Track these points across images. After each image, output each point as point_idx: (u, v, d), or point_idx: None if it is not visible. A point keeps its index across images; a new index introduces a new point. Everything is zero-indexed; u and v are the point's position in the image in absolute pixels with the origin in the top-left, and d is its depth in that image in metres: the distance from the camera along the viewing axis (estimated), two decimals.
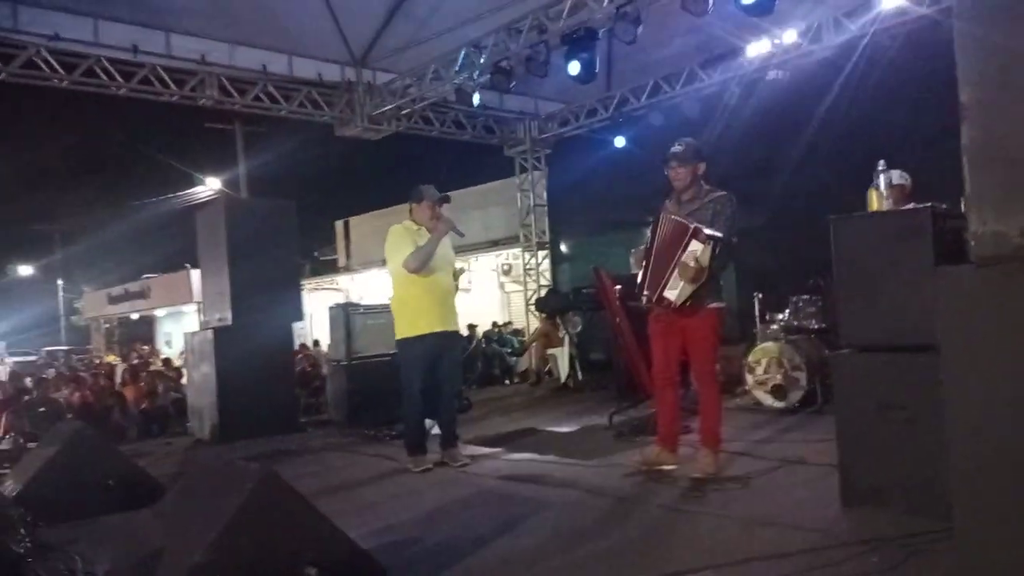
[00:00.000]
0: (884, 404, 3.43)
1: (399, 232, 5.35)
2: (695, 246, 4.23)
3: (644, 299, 4.53)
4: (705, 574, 2.89)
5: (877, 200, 3.93)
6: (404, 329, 5.31)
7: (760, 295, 7.99)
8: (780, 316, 7.60)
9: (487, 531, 3.71)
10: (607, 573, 2.99)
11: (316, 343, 16.25)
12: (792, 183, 9.74)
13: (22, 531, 3.91)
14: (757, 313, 7.91)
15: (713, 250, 4.20)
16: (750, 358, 7.05)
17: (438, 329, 5.26)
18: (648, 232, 4.59)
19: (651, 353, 4.70)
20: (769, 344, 7.01)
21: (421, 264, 5.18)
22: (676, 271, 4.29)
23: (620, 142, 12.02)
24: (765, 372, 6.90)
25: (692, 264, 4.21)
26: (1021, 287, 2.16)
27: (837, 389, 3.79)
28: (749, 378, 7.04)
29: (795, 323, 7.47)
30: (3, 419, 9.73)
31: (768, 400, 6.85)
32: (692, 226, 4.26)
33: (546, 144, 13.01)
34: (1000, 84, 2.23)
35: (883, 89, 8.91)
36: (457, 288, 5.65)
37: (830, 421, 3.86)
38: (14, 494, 4.53)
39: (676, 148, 4.53)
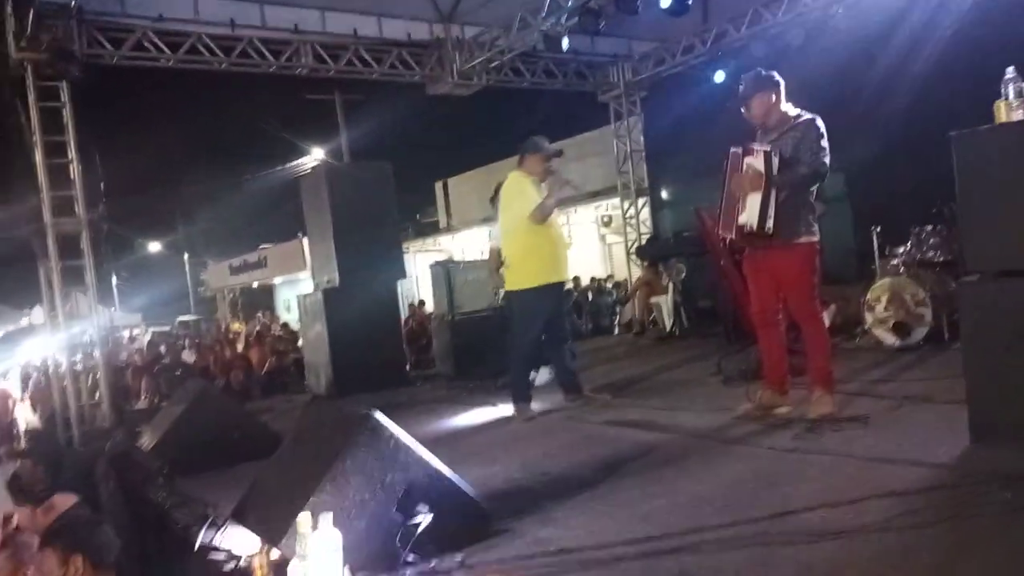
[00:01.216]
0: (1018, 333, 3.15)
1: (522, 181, 5.35)
2: (748, 160, 4.17)
3: (727, 238, 4.42)
4: (818, 512, 2.77)
5: (1006, 111, 3.56)
6: (531, 278, 5.27)
7: (879, 228, 7.51)
8: (901, 250, 7.14)
9: (592, 475, 3.70)
10: (713, 515, 2.91)
11: (422, 303, 16.63)
12: (910, 106, 9.05)
13: (160, 481, 4.21)
14: (876, 248, 7.46)
15: (768, 160, 4.06)
16: (869, 295, 6.66)
17: (565, 278, 5.40)
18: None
19: (748, 295, 4.53)
20: (890, 279, 6.60)
21: (546, 217, 5.22)
22: (740, 191, 4.19)
23: (720, 77, 11.46)
24: (886, 309, 6.52)
25: (749, 173, 4.11)
26: None
27: (964, 319, 3.51)
28: (868, 316, 6.67)
29: (918, 256, 7.01)
30: (143, 382, 10.52)
31: (889, 339, 6.48)
32: (741, 148, 4.22)
33: (641, 86, 12.60)
34: None
35: None
36: None
37: (956, 357, 3.61)
38: (151, 448, 4.89)
39: (742, 88, 4.39)
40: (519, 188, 5.33)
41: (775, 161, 4.10)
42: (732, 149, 4.36)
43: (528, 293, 5.29)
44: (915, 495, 2.81)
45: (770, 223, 4.10)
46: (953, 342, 5.86)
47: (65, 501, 2.63)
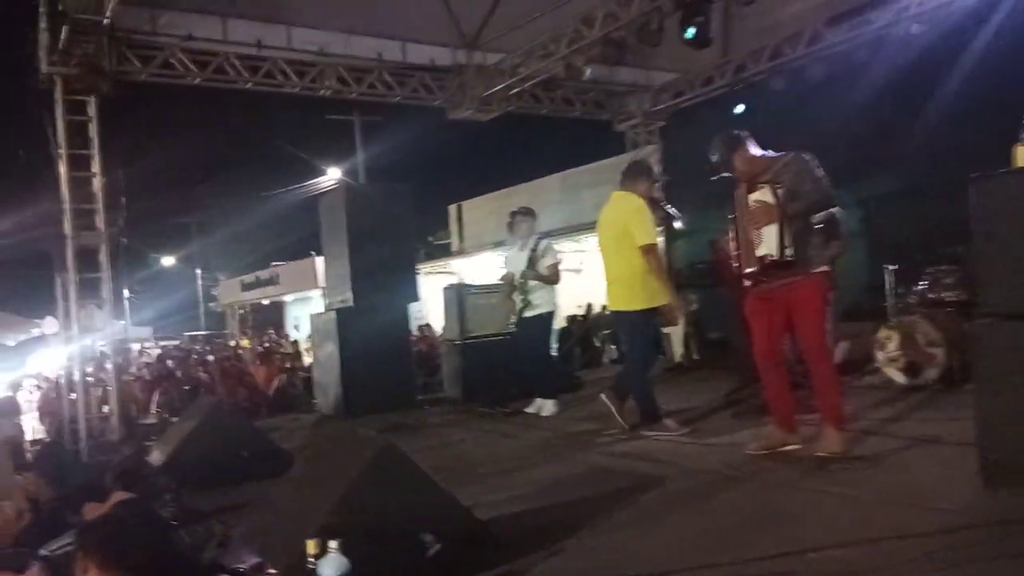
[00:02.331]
0: None
1: (639, 202, 5.38)
2: (753, 195, 4.27)
3: (747, 276, 4.44)
4: (826, 553, 2.75)
5: (1023, 156, 3.59)
6: (646, 300, 5.33)
7: (892, 267, 7.49)
8: (915, 288, 7.12)
9: (601, 506, 3.69)
10: (720, 550, 2.90)
11: (428, 326, 16.63)
12: (928, 145, 9.05)
13: (168, 497, 4.23)
14: (889, 286, 7.43)
15: (775, 191, 4.16)
16: (880, 334, 6.63)
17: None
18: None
19: (753, 334, 4.52)
20: (902, 319, 6.57)
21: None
22: (752, 226, 4.25)
23: (739, 109, 11.51)
24: (898, 349, 6.48)
25: (760, 207, 4.19)
26: None
27: (977, 360, 3.50)
28: (879, 355, 6.63)
29: (931, 295, 6.97)
30: (153, 396, 10.57)
31: (900, 378, 6.43)
32: (745, 187, 4.33)
33: (659, 116, 12.68)
34: None
35: None
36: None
37: (967, 399, 3.60)
38: (160, 464, 4.91)
39: (712, 159, 4.48)
40: (637, 208, 5.34)
41: (780, 192, 4.16)
42: (737, 190, 4.44)
43: (643, 314, 5.38)
44: (927, 538, 2.79)
45: (789, 250, 4.15)
46: (964, 383, 5.82)
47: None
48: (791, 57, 10.10)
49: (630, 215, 5.33)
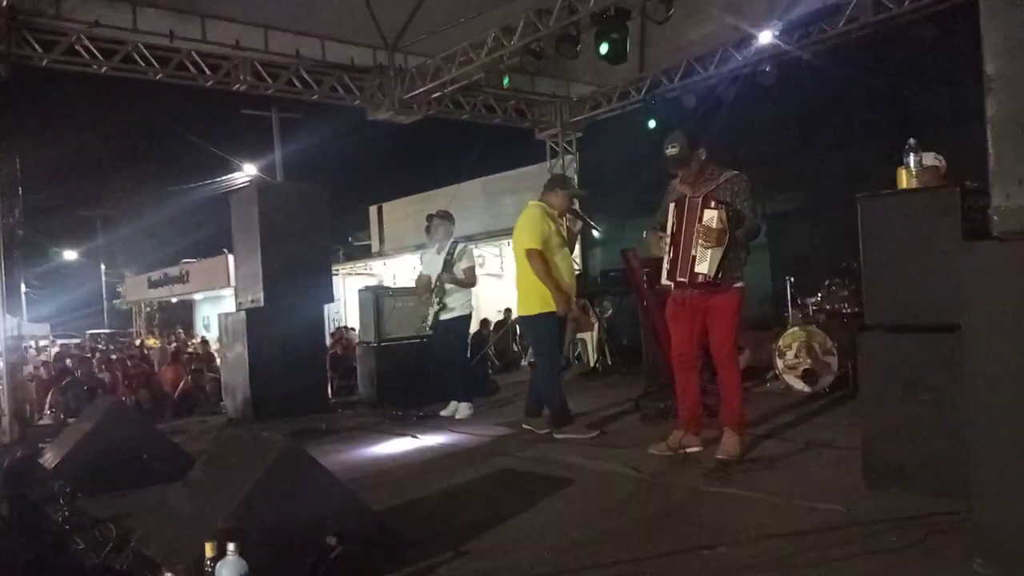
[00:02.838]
0: (909, 384, 3.38)
1: (539, 214, 5.52)
2: (709, 213, 4.29)
3: (675, 283, 4.50)
4: (720, 551, 2.89)
5: (907, 178, 3.84)
6: (541, 304, 5.46)
7: (792, 279, 7.89)
8: (812, 300, 7.51)
9: (509, 508, 3.74)
10: (623, 550, 3.00)
11: (347, 327, 16.44)
12: (828, 165, 9.57)
13: (61, 501, 4.05)
14: (789, 297, 7.82)
15: (728, 215, 4.27)
16: (780, 342, 6.96)
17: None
18: (670, 216, 4.54)
19: (670, 337, 4.69)
20: (800, 328, 6.92)
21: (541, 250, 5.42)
22: (700, 242, 4.31)
23: (652, 124, 11.88)
24: (796, 356, 6.82)
25: (714, 226, 4.24)
26: None
27: (862, 369, 3.74)
28: (779, 363, 6.96)
29: (827, 307, 7.37)
30: (48, 397, 10.06)
31: (798, 385, 6.77)
32: (701, 197, 4.35)
33: (577, 127, 12.93)
34: None
35: (918, 66, 8.68)
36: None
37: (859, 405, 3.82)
38: (53, 466, 4.70)
39: (671, 151, 4.51)
40: (528, 214, 5.57)
41: (730, 215, 4.29)
42: (689, 196, 4.45)
43: (537, 318, 5.52)
44: (811, 535, 2.97)
45: (721, 274, 4.34)
46: (857, 390, 6.17)
47: None
48: (702, 76, 10.49)
49: (522, 221, 5.58)
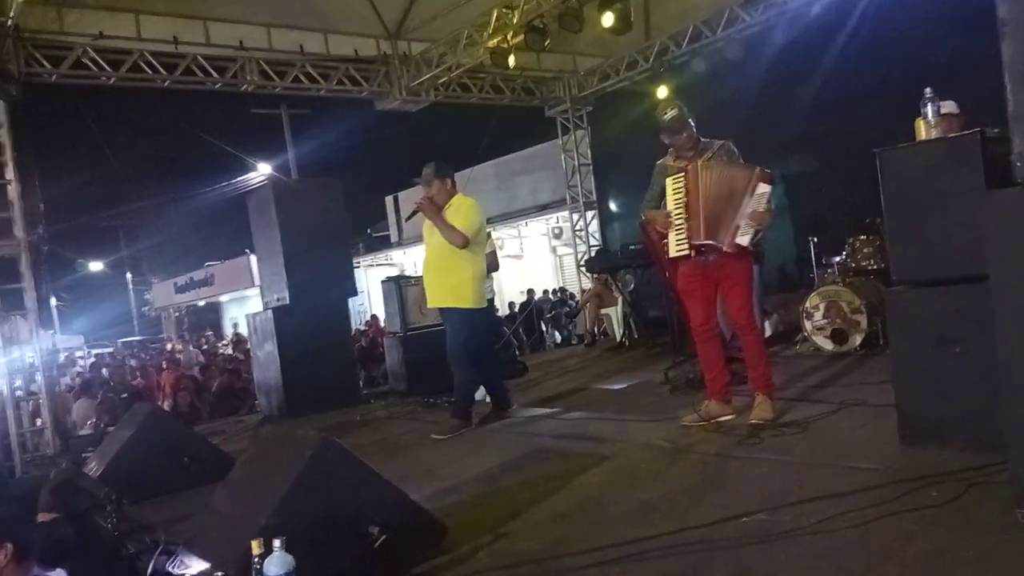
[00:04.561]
0: (940, 339, 3.34)
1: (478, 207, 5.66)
2: (763, 188, 4.26)
3: (694, 247, 4.46)
4: (758, 517, 2.90)
5: (925, 129, 3.78)
6: (481, 299, 5.62)
7: (816, 239, 7.80)
8: (836, 259, 7.43)
9: (545, 487, 3.78)
10: (663, 522, 3.02)
11: (375, 317, 16.58)
12: (844, 122, 9.39)
13: (108, 509, 4.15)
14: (813, 257, 7.74)
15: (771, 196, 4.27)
16: (807, 304, 6.90)
17: (436, 304, 5.78)
18: (672, 188, 4.49)
19: (688, 309, 4.67)
20: (826, 288, 6.85)
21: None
22: (749, 218, 4.27)
23: (663, 92, 11.75)
24: (824, 317, 6.76)
25: (764, 208, 4.24)
26: None
27: (891, 327, 3.70)
28: (807, 324, 6.91)
29: (852, 265, 7.29)
30: (87, 407, 10.26)
31: (828, 345, 6.72)
32: (757, 169, 4.29)
33: (587, 101, 12.83)
34: None
35: (932, 13, 8.47)
36: None
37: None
38: (98, 474, 4.80)
39: (672, 113, 4.48)
40: (480, 212, 5.73)
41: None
42: (758, 169, 4.35)
43: (481, 312, 5.72)
44: (849, 496, 2.96)
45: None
46: (887, 347, 6.11)
47: None
48: (710, 39, 10.35)
49: (475, 218, 5.66)
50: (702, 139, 4.54)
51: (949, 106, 4.62)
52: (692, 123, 4.50)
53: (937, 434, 3.37)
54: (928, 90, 3.82)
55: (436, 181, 5.60)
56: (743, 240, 4.32)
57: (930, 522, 2.62)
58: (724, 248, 4.36)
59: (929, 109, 3.78)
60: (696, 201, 4.40)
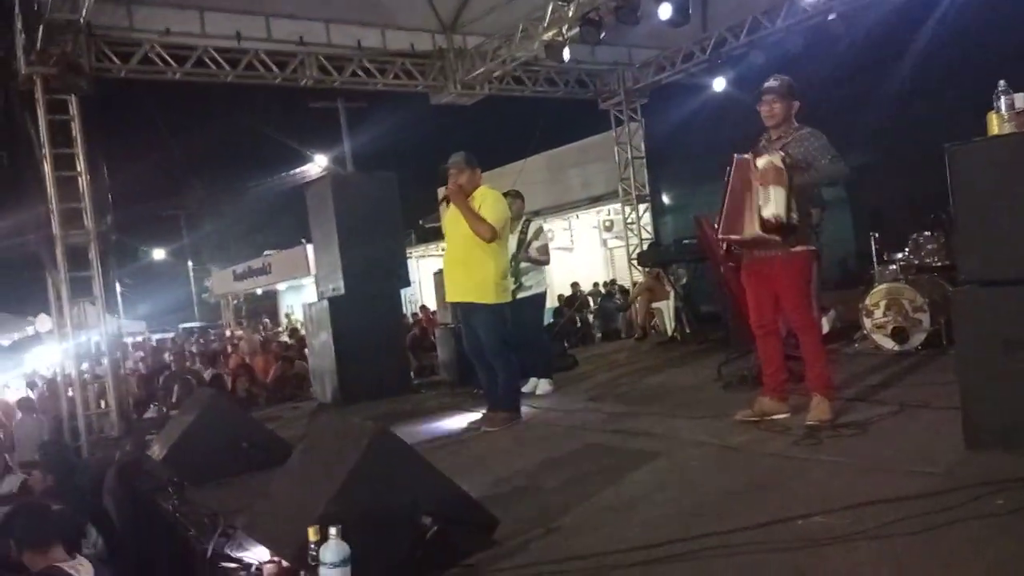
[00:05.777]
0: (1009, 341, 3.23)
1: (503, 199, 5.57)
2: (761, 161, 4.21)
3: (741, 243, 4.39)
4: (815, 520, 2.84)
5: (997, 123, 3.63)
6: (505, 294, 5.53)
7: (877, 234, 7.59)
8: (899, 255, 7.21)
9: (595, 483, 3.77)
10: (715, 521, 2.98)
11: (425, 307, 16.74)
12: (908, 114, 9.11)
13: (170, 490, 4.29)
14: (874, 253, 7.53)
15: (784, 159, 4.16)
16: (867, 301, 6.72)
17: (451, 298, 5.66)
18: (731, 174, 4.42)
19: (746, 304, 4.60)
20: (888, 285, 6.66)
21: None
22: (758, 187, 4.19)
23: (720, 85, 11.55)
24: (884, 315, 6.58)
25: (770, 169, 4.13)
26: None
27: (958, 327, 3.59)
28: (867, 322, 6.73)
29: (915, 261, 7.07)
30: (150, 391, 10.62)
31: (888, 344, 6.54)
32: (750, 153, 4.29)
33: (641, 94, 12.70)
34: None
35: (1005, 2, 8.14)
36: None
37: (954, 363, 3.67)
38: (161, 458, 4.97)
39: (772, 83, 4.41)
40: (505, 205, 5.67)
41: (788, 162, 4.19)
42: (738, 156, 4.36)
43: (502, 307, 5.59)
44: (911, 502, 2.87)
45: (794, 215, 4.16)
46: (951, 347, 5.92)
47: None
48: (769, 31, 10.13)
49: (503, 211, 5.56)
50: (796, 125, 4.40)
51: (1023, 99, 4.44)
52: (793, 103, 4.39)
53: (1004, 439, 3.26)
54: (1002, 82, 3.68)
55: (468, 170, 5.45)
56: (769, 211, 4.14)
57: (997, 531, 2.53)
58: (745, 236, 4.29)
59: (1003, 102, 3.64)
60: (724, 196, 4.37)
